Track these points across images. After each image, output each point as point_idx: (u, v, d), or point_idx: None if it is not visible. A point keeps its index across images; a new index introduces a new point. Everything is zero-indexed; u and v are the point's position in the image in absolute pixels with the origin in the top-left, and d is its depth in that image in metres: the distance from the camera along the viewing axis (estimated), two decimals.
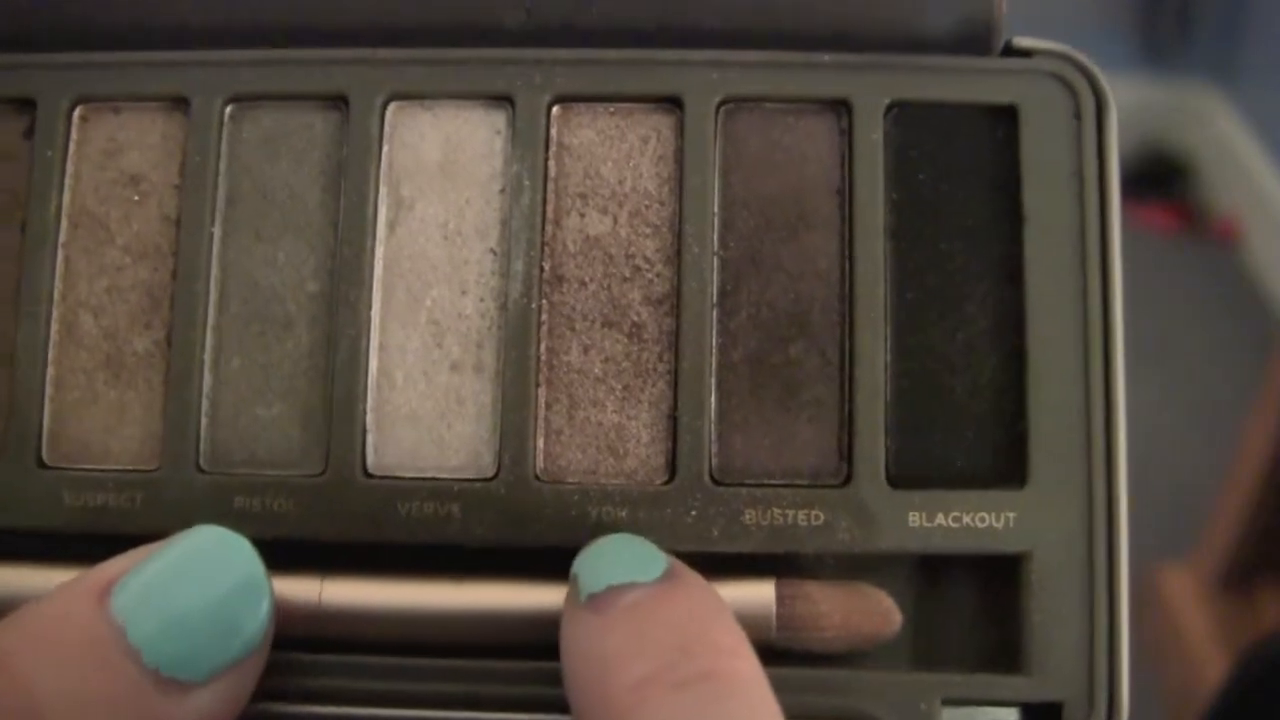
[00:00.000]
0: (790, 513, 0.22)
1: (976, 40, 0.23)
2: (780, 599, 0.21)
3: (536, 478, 0.22)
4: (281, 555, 0.21)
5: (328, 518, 0.22)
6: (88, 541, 0.22)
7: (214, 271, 0.23)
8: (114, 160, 0.24)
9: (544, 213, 0.23)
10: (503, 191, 0.23)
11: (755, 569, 0.22)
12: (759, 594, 0.21)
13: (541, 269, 0.23)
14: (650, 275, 0.23)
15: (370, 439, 0.23)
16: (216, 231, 0.23)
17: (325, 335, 0.23)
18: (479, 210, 0.23)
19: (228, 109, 0.23)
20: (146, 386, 0.23)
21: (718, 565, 0.21)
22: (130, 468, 0.23)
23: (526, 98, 0.23)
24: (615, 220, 0.23)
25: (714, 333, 0.23)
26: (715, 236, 0.23)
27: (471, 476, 0.22)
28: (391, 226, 0.23)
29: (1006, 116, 0.23)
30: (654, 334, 0.23)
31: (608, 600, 0.19)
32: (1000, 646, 0.22)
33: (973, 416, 0.23)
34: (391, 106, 0.23)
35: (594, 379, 0.23)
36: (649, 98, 0.23)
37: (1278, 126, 1.51)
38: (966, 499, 0.22)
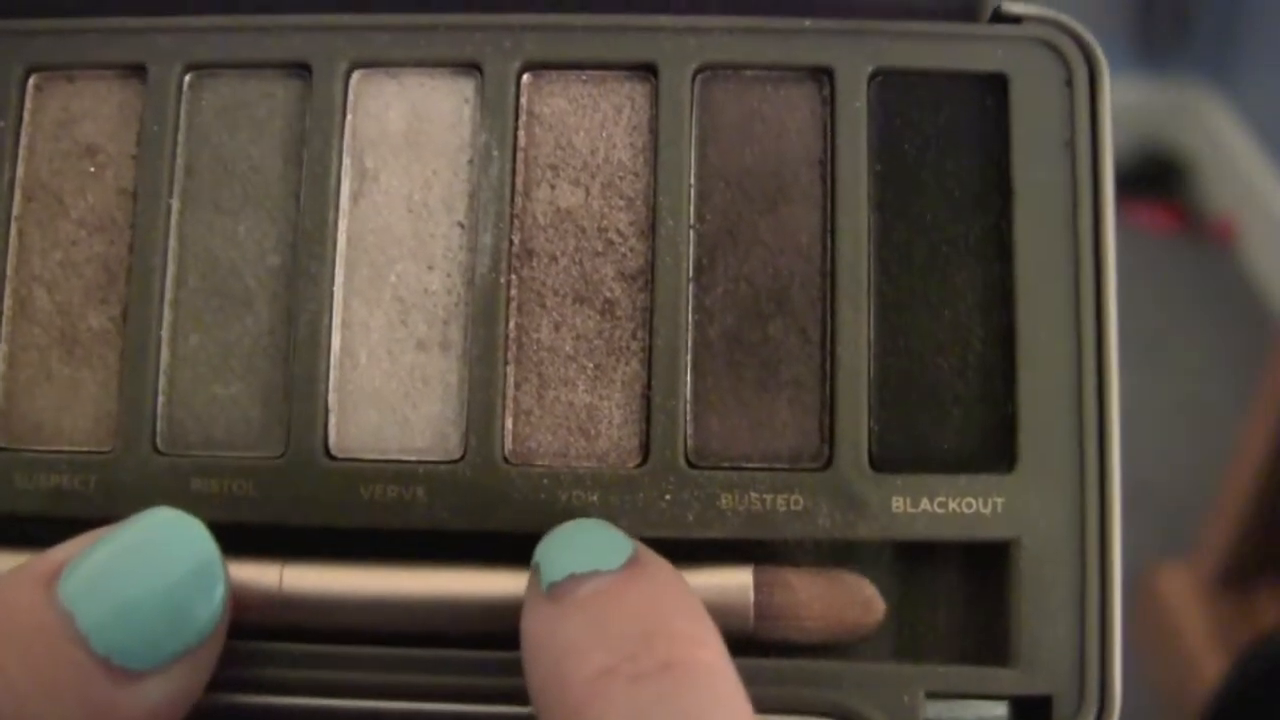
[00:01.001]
0: (768, 497, 0.21)
1: (964, 6, 0.22)
2: (758, 587, 0.21)
3: (504, 460, 0.21)
4: (240, 540, 0.20)
5: (288, 501, 0.21)
6: (39, 525, 0.21)
7: (171, 245, 0.22)
8: (68, 130, 0.23)
9: (513, 184, 0.22)
10: (471, 162, 0.22)
11: (732, 556, 0.21)
12: (736, 582, 0.21)
13: (510, 243, 0.22)
14: (623, 249, 0.22)
15: (332, 419, 0.22)
16: (174, 204, 0.22)
17: (285, 311, 0.22)
18: (446, 182, 0.22)
19: (186, 77, 0.23)
20: (102, 364, 0.22)
21: (693, 552, 0.21)
22: (84, 449, 0.22)
23: (495, 65, 0.22)
24: (587, 192, 0.22)
25: (689, 309, 0.22)
26: (691, 209, 0.22)
27: (437, 459, 0.22)
28: (355, 199, 0.22)
29: (995, 85, 0.22)
30: (627, 310, 0.22)
31: (567, 589, 0.18)
32: (987, 637, 0.22)
33: (959, 398, 0.22)
34: (355, 74, 0.23)
35: (565, 357, 0.22)
36: (623, 65, 0.22)
37: (1274, 126, 1.50)
38: (953, 483, 0.21)
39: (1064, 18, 0.22)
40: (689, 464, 0.21)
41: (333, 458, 0.22)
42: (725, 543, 0.21)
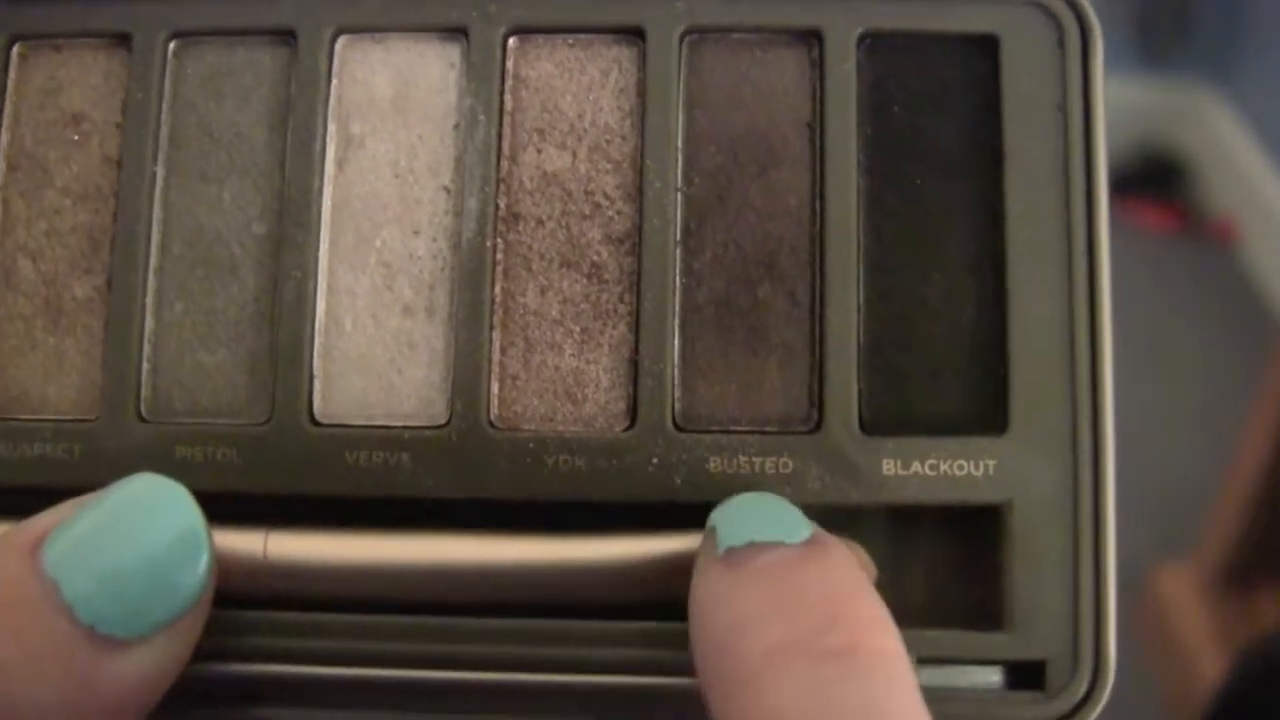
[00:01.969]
0: (757, 461, 0.21)
1: None
2: None
3: (491, 425, 0.21)
4: (225, 507, 0.20)
5: (273, 468, 0.21)
6: (23, 494, 0.21)
7: (156, 213, 0.22)
8: (54, 99, 0.23)
9: (499, 148, 0.22)
10: (457, 127, 0.22)
11: None
12: None
13: (497, 207, 0.22)
14: (611, 213, 0.22)
15: (317, 386, 0.22)
16: (159, 172, 0.22)
17: (271, 279, 0.22)
18: (432, 147, 0.22)
19: (171, 45, 0.23)
20: (86, 334, 0.22)
21: (681, 516, 0.20)
22: (68, 417, 0.22)
23: (481, 29, 0.22)
24: (574, 156, 0.22)
25: (677, 273, 0.22)
26: (679, 172, 0.22)
27: (423, 424, 0.21)
28: (340, 165, 0.22)
29: (986, 46, 0.22)
30: (614, 274, 0.22)
31: (748, 556, 0.18)
32: (979, 602, 0.21)
33: (950, 360, 0.22)
34: (341, 40, 0.22)
35: (551, 321, 0.22)
36: (609, 28, 0.22)
37: (1275, 127, 1.50)
38: (944, 446, 0.21)
39: None
40: (677, 427, 0.21)
41: (318, 424, 0.21)
42: (714, 507, 0.21)
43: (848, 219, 0.22)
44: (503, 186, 0.22)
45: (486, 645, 0.20)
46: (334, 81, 0.22)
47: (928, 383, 0.21)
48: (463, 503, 0.21)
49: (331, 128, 0.22)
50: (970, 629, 0.21)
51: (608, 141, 0.22)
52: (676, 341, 0.21)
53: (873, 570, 0.21)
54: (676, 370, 0.21)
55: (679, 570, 0.20)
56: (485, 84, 0.22)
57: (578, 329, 0.22)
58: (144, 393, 0.22)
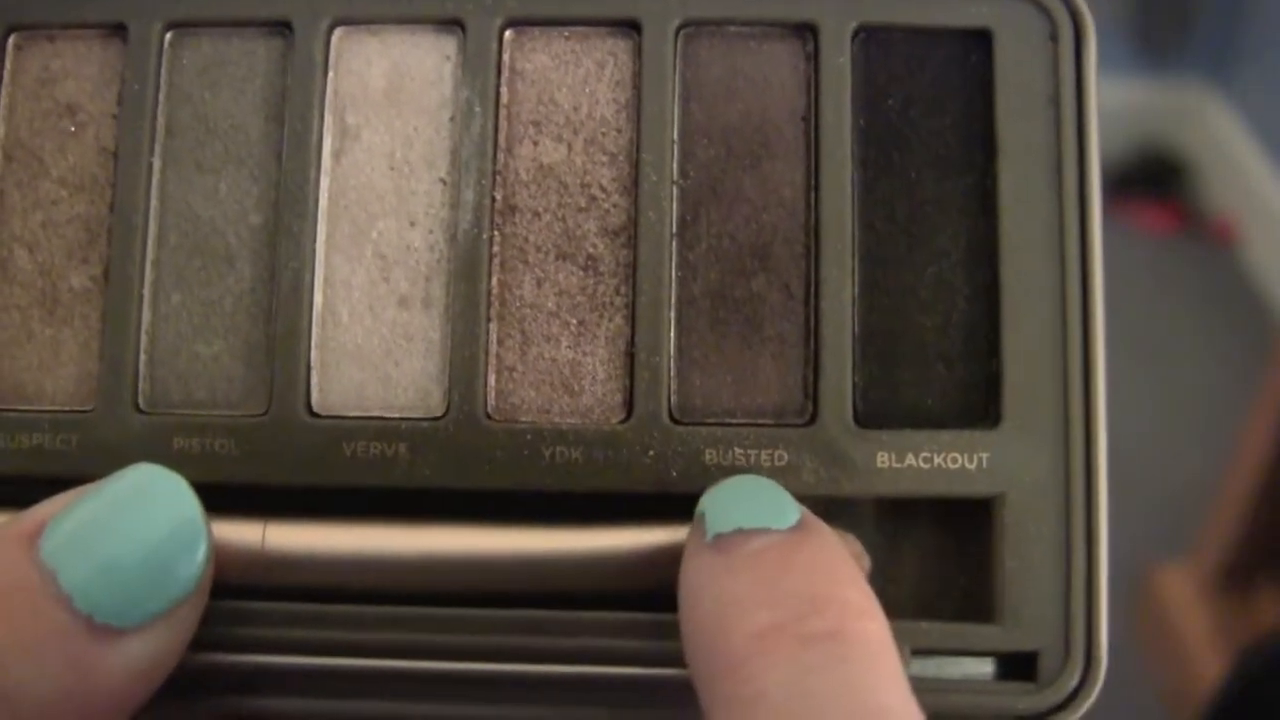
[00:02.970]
0: (753, 453, 0.21)
1: None
2: None
3: (487, 416, 0.21)
4: (223, 499, 0.20)
5: (270, 459, 0.21)
6: (21, 485, 0.21)
7: (153, 204, 0.22)
8: (49, 90, 0.23)
9: (496, 140, 0.22)
10: (452, 119, 0.22)
11: None
12: None
13: (493, 199, 0.22)
14: (606, 205, 0.22)
15: (314, 377, 0.22)
16: (155, 163, 0.22)
17: (268, 270, 0.22)
18: (428, 139, 0.22)
19: (167, 35, 0.22)
20: (83, 324, 0.22)
21: (676, 507, 0.20)
22: (65, 408, 0.22)
23: (477, 21, 0.22)
24: (570, 148, 0.22)
25: (673, 265, 0.22)
26: (674, 165, 0.22)
27: (419, 415, 0.21)
28: (336, 156, 0.22)
29: (979, 40, 0.22)
30: (610, 266, 0.22)
31: (735, 542, 0.18)
32: (972, 594, 0.22)
33: (944, 353, 0.22)
34: (337, 31, 0.22)
35: (548, 313, 0.22)
36: (605, 21, 0.22)
37: (1274, 127, 1.50)
38: (937, 439, 0.21)
39: None
40: (673, 420, 0.21)
41: (315, 415, 0.21)
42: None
43: (842, 211, 0.22)
44: (499, 179, 0.22)
45: (484, 636, 0.20)
46: (330, 73, 0.22)
47: (921, 375, 0.22)
48: (460, 493, 0.21)
49: (327, 119, 0.22)
50: (962, 620, 0.21)
51: (603, 134, 0.22)
52: (672, 334, 0.21)
53: (866, 561, 0.21)
54: (672, 362, 0.21)
55: (674, 561, 0.20)
56: (481, 76, 0.22)
57: (574, 321, 0.22)
58: (141, 384, 0.22)
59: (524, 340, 0.22)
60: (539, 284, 0.22)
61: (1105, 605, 0.21)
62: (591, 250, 0.22)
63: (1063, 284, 0.21)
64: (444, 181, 0.22)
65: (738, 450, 0.21)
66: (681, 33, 0.22)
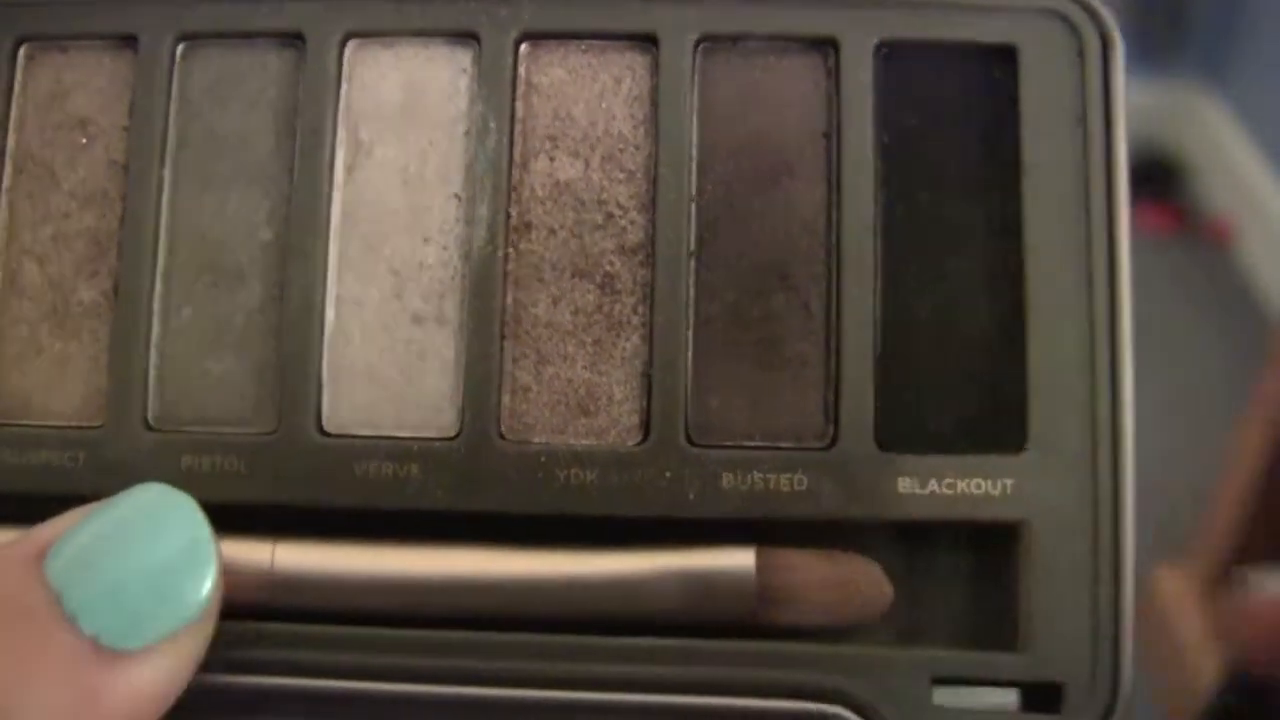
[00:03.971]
0: (771, 477, 0.21)
1: None
2: (761, 569, 0.20)
3: (501, 437, 0.21)
4: (232, 518, 0.20)
5: (280, 479, 0.21)
6: (27, 502, 0.21)
7: (163, 218, 0.22)
8: (60, 103, 0.22)
9: (511, 156, 0.22)
10: (467, 134, 0.22)
11: (735, 537, 0.20)
12: (738, 563, 0.20)
13: (508, 215, 0.21)
14: (623, 223, 0.22)
15: (325, 395, 0.21)
16: (166, 176, 0.22)
17: (279, 286, 0.22)
18: (442, 154, 0.22)
19: (179, 48, 0.22)
20: (92, 339, 0.22)
21: (694, 531, 0.20)
22: (73, 424, 0.21)
23: (493, 35, 0.22)
24: (586, 164, 0.22)
25: (690, 284, 0.21)
26: (692, 182, 0.21)
27: (432, 435, 0.21)
28: (349, 171, 0.22)
29: (1005, 57, 0.22)
30: (627, 285, 0.21)
31: None
32: (995, 622, 0.21)
33: (968, 376, 0.21)
34: (350, 45, 0.22)
35: (563, 333, 0.21)
36: (622, 35, 0.22)
37: (1271, 127, 1.50)
38: (960, 464, 0.21)
39: None
40: (690, 442, 0.21)
41: (326, 434, 0.21)
42: (728, 523, 0.21)
43: (863, 230, 0.21)
44: (514, 195, 0.22)
45: (497, 660, 0.20)
46: (343, 87, 0.22)
47: (944, 398, 0.21)
48: (472, 515, 0.21)
49: (340, 134, 0.22)
50: (986, 649, 0.21)
51: (620, 150, 0.22)
52: (689, 354, 0.21)
53: (888, 588, 0.21)
54: (689, 383, 0.21)
55: (686, 587, 0.20)
56: (497, 90, 0.22)
57: (590, 340, 0.21)
58: (150, 400, 0.21)
59: (539, 360, 0.21)
60: (554, 302, 0.21)
61: (1131, 636, 0.20)
62: (608, 268, 0.21)
63: (1090, 306, 0.21)
64: (458, 197, 0.22)
65: (756, 474, 0.21)
66: (700, 47, 0.22)
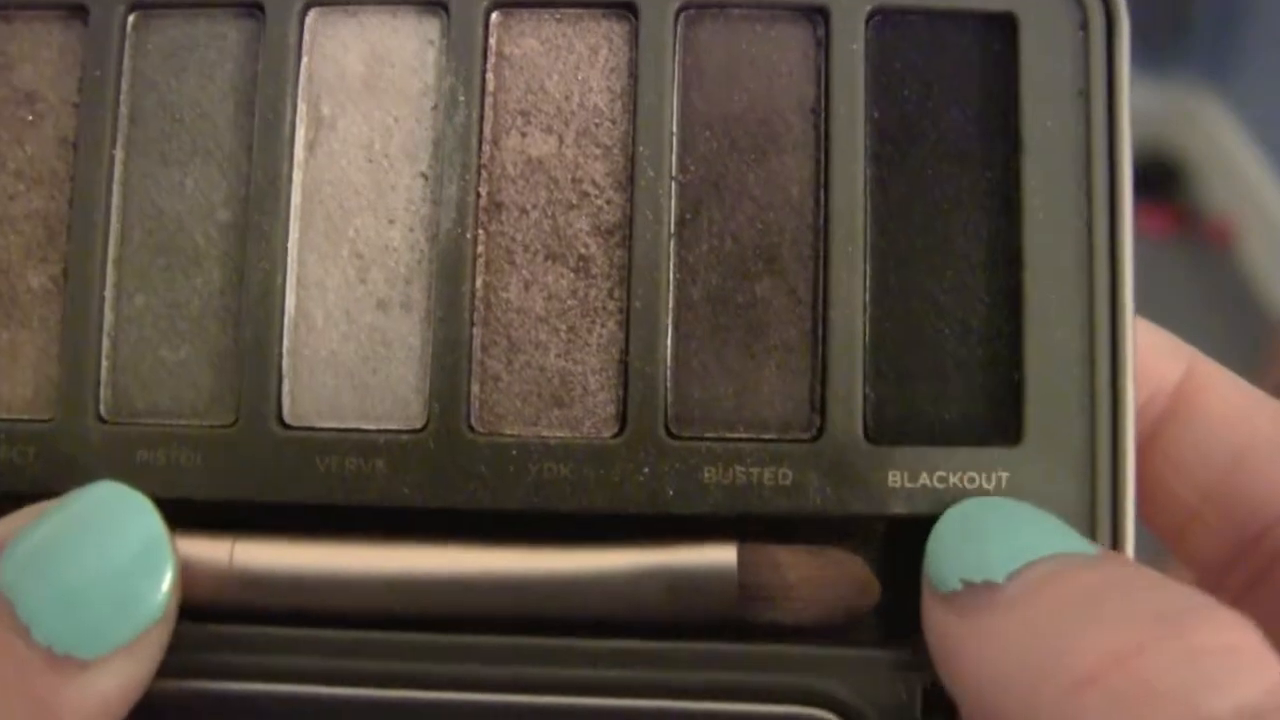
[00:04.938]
0: (755, 471, 0.20)
1: None
2: (743, 566, 0.19)
3: (470, 429, 0.20)
4: (189, 514, 0.19)
5: (239, 474, 0.20)
6: None
7: (115, 199, 0.21)
8: (6, 76, 0.21)
9: (481, 132, 0.21)
10: (435, 108, 0.21)
11: (717, 533, 0.20)
12: (718, 560, 0.19)
13: (477, 195, 0.21)
14: (599, 202, 0.21)
15: (286, 385, 0.20)
16: (118, 155, 0.21)
17: (237, 270, 0.21)
18: (408, 129, 0.21)
19: (130, 17, 0.21)
20: (42, 327, 0.21)
21: (673, 529, 0.19)
22: (23, 417, 0.21)
23: (462, 3, 0.21)
24: (561, 140, 0.21)
25: (671, 267, 0.20)
26: (673, 159, 0.21)
27: (398, 428, 0.20)
28: (310, 148, 0.21)
29: (1003, 26, 0.21)
30: (603, 268, 0.20)
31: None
32: None
33: (962, 364, 0.20)
34: (311, 13, 0.21)
35: (536, 319, 0.20)
36: (599, 2, 0.21)
37: (1272, 129, 1.51)
38: (954, 456, 0.20)
39: None
40: (669, 434, 0.20)
41: (287, 427, 0.20)
42: (709, 518, 0.20)
43: (853, 210, 0.20)
44: (484, 173, 0.21)
45: (467, 664, 0.19)
46: (304, 58, 0.21)
47: (937, 387, 0.20)
48: (441, 511, 0.20)
49: (301, 108, 0.21)
50: None
51: (596, 125, 0.21)
52: (669, 341, 0.20)
53: (876, 586, 0.20)
54: (669, 372, 0.20)
55: (665, 586, 0.19)
56: (466, 62, 0.21)
57: (564, 327, 0.20)
58: (103, 392, 0.21)
59: (510, 347, 0.20)
60: (526, 286, 0.21)
61: None
62: (583, 250, 0.21)
63: (1090, 289, 0.20)
64: (425, 176, 0.21)
65: (738, 468, 0.20)
66: (682, 15, 0.21)
